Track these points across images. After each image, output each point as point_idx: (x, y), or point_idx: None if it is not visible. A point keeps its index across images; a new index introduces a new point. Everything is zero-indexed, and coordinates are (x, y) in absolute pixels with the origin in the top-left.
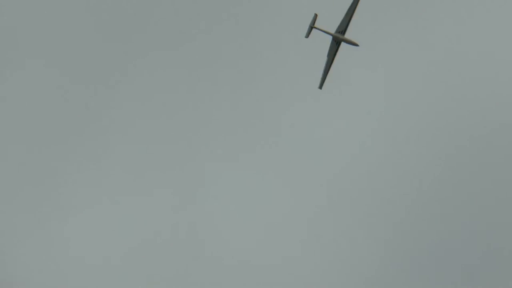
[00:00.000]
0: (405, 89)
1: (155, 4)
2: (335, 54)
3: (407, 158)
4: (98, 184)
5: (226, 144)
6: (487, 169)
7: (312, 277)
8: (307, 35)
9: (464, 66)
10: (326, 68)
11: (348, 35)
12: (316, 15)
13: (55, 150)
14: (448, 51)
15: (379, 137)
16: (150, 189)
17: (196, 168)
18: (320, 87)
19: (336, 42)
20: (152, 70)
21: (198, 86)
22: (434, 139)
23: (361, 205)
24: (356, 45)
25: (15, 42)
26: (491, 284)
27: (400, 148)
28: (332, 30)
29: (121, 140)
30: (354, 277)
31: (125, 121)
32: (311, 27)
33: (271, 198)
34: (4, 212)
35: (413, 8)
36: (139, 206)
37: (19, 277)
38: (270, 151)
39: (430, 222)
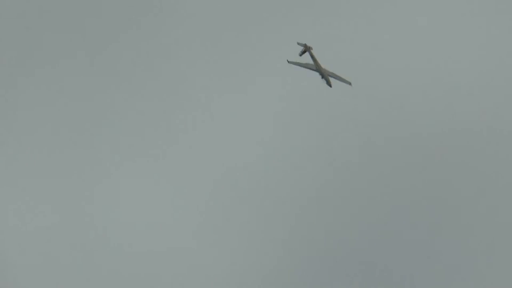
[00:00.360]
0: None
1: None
2: (305, 67)
3: (306, 157)
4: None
5: (125, 141)
6: (393, 170)
7: (207, 269)
8: (300, 44)
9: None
10: (303, 65)
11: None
12: (311, 48)
13: None
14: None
15: (282, 136)
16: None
17: (95, 165)
18: (289, 61)
19: (315, 69)
20: (52, 70)
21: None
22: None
23: (259, 203)
24: (329, 85)
25: None
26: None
27: (302, 146)
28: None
29: (16, 142)
30: (248, 274)
31: (19, 123)
32: (306, 45)
33: (162, 194)
34: None
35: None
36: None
37: None
38: (168, 147)
39: (329, 219)
